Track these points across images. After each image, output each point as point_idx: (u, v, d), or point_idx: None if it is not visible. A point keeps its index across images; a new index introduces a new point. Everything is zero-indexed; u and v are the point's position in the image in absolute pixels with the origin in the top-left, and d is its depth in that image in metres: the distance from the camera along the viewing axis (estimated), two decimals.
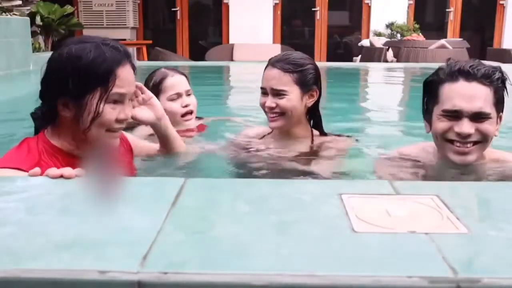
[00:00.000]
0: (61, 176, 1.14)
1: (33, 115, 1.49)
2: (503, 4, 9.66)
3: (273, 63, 1.91)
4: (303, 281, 0.70)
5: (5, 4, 5.43)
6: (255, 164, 1.91)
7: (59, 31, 6.86)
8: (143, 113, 1.70)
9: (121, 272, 0.70)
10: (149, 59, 8.26)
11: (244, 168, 1.92)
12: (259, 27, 9.39)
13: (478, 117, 1.57)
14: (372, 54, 7.65)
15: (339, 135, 2.09)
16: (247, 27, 9.24)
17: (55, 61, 1.39)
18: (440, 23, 10.16)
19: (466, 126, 1.58)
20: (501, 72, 1.60)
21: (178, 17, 10.01)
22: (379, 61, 7.32)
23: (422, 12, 9.91)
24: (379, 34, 9.21)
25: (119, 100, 1.39)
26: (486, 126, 1.58)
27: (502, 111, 1.63)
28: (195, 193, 1.05)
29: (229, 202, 1.01)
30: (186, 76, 2.33)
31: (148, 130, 2.01)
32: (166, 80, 2.23)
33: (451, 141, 1.60)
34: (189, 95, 2.27)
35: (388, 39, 8.86)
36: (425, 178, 1.68)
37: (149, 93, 1.73)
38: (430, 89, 1.66)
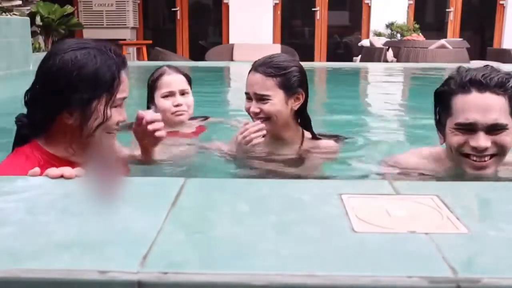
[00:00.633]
0: (61, 176, 1.14)
1: (18, 123, 1.43)
2: (503, 4, 9.66)
3: (256, 67, 1.87)
4: (303, 281, 0.70)
5: (5, 4, 5.43)
6: (244, 168, 1.90)
7: (59, 31, 6.87)
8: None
9: (121, 272, 0.70)
10: (149, 59, 8.25)
11: (234, 172, 1.91)
12: (259, 27, 9.38)
13: (494, 129, 1.51)
14: (372, 54, 7.65)
15: (333, 136, 2.07)
16: (247, 27, 9.24)
17: (58, 69, 1.34)
18: (440, 23, 10.16)
19: (482, 140, 1.51)
20: None
21: (178, 17, 10.01)
22: (379, 61, 7.32)
23: (422, 12, 9.91)
24: (379, 34, 9.21)
25: (119, 104, 1.41)
26: (503, 137, 1.52)
27: None
28: (195, 193, 1.05)
29: (229, 202, 1.01)
30: (187, 76, 2.33)
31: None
32: (163, 78, 2.27)
33: (467, 155, 1.54)
34: (184, 94, 2.28)
35: (388, 39, 8.86)
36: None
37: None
38: (442, 100, 1.59)
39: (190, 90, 2.32)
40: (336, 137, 2.09)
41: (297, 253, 0.77)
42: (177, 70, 2.33)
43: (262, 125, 1.83)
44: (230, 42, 9.40)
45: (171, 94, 2.25)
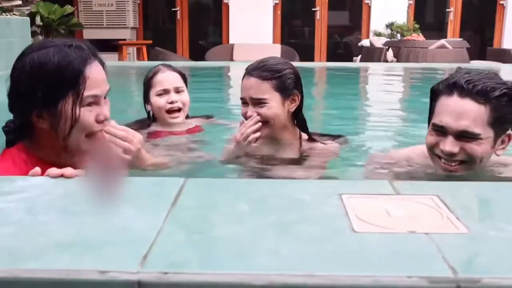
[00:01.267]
0: (62, 176, 1.13)
1: (5, 128, 1.42)
2: (503, 4, 9.65)
3: (250, 71, 1.86)
4: (303, 281, 0.70)
5: (5, 4, 5.43)
6: (244, 170, 1.88)
7: (59, 31, 6.87)
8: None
9: (121, 272, 0.70)
10: (149, 59, 8.25)
11: (233, 174, 1.90)
12: (259, 27, 9.38)
13: (463, 136, 1.50)
14: (372, 54, 7.65)
15: (331, 136, 2.06)
16: (247, 27, 9.24)
17: (20, 72, 1.32)
18: (440, 23, 10.16)
19: (449, 145, 1.52)
20: (510, 89, 1.49)
21: (178, 17, 10.01)
22: (379, 61, 7.32)
23: (422, 12, 9.91)
24: (379, 34, 9.20)
25: (93, 102, 1.33)
26: (473, 146, 1.50)
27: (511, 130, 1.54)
28: (195, 193, 1.05)
29: (229, 202, 1.01)
30: (182, 74, 2.33)
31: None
32: (157, 76, 2.28)
33: (439, 156, 1.56)
34: (179, 92, 2.28)
35: (388, 39, 8.85)
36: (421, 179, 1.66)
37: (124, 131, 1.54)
38: (432, 97, 1.60)
39: (186, 88, 2.32)
40: (333, 138, 2.08)
41: (297, 253, 0.77)
42: (172, 68, 2.34)
43: (257, 118, 1.82)
44: (230, 42, 9.39)
45: (165, 92, 2.25)
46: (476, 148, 1.51)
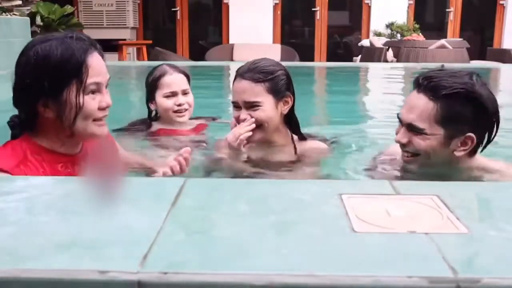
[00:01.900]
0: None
1: (10, 123, 1.47)
2: (503, 4, 9.66)
3: (241, 74, 1.81)
4: (303, 281, 0.70)
5: (5, 4, 5.43)
6: (237, 175, 1.86)
7: (59, 31, 6.86)
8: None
9: (121, 272, 0.70)
10: (149, 59, 8.25)
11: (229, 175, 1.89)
12: (259, 27, 9.38)
13: (411, 129, 1.55)
14: (372, 54, 7.65)
15: (321, 139, 2.05)
16: (247, 27, 9.24)
17: (25, 65, 1.38)
18: (440, 23, 10.16)
19: (399, 135, 1.60)
20: (467, 89, 1.48)
21: (178, 17, 10.01)
22: (379, 61, 7.32)
23: (422, 12, 9.91)
24: (379, 34, 9.21)
25: (96, 89, 1.39)
26: (418, 140, 1.55)
27: (475, 132, 1.53)
28: (195, 193, 1.05)
29: (229, 202, 1.01)
30: (187, 75, 2.36)
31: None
32: (164, 78, 2.29)
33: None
34: (186, 94, 2.31)
35: (388, 39, 8.85)
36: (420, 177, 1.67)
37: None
38: None
39: (190, 89, 2.35)
40: (324, 140, 2.06)
41: (297, 253, 0.77)
42: (178, 69, 2.36)
43: (252, 120, 1.79)
44: (230, 42, 9.40)
45: (173, 94, 2.29)
46: (420, 142, 1.56)
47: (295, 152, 1.92)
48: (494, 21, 9.81)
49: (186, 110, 2.31)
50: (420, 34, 8.67)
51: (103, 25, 9.01)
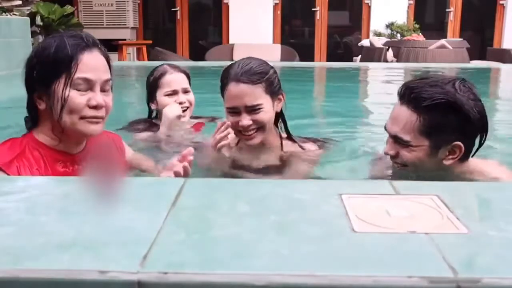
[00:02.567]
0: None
1: (26, 119, 1.51)
2: (503, 4, 9.66)
3: (237, 77, 1.72)
4: (303, 281, 0.70)
5: (5, 4, 5.43)
6: (229, 175, 1.84)
7: (59, 31, 6.86)
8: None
9: (121, 272, 0.70)
10: (149, 59, 8.25)
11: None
12: (259, 27, 9.38)
13: (397, 140, 1.55)
14: (372, 54, 7.65)
15: (314, 139, 2.03)
16: (247, 27, 9.24)
17: (28, 59, 1.45)
18: (440, 23, 10.16)
19: (387, 146, 1.60)
20: (448, 100, 1.46)
21: (178, 17, 10.01)
22: (379, 61, 7.32)
23: (422, 12, 9.91)
24: (379, 34, 9.21)
25: (87, 86, 1.40)
26: (404, 152, 1.55)
27: (462, 140, 1.51)
28: (195, 193, 1.05)
29: (229, 202, 1.01)
30: (187, 74, 2.37)
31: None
32: (165, 77, 2.31)
33: None
34: (186, 92, 2.33)
35: (388, 39, 8.85)
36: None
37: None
38: None
39: (190, 88, 2.37)
40: (317, 141, 2.04)
41: (297, 253, 0.77)
42: (178, 68, 2.38)
43: (250, 122, 1.75)
44: (230, 42, 9.40)
45: (174, 92, 2.31)
46: (406, 154, 1.55)
47: (282, 149, 1.89)
48: (494, 21, 9.81)
49: (187, 108, 2.32)
50: (420, 34, 8.67)
51: (103, 25, 9.01)
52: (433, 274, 0.70)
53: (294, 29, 10.49)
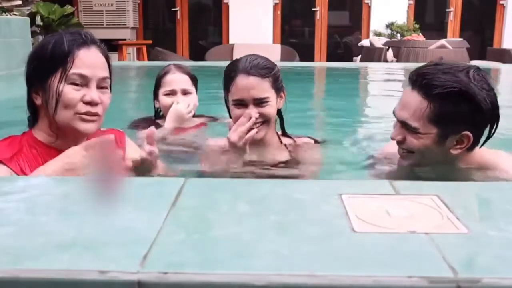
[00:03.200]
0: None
1: (28, 117, 1.52)
2: (503, 4, 9.66)
3: (246, 70, 1.74)
4: (303, 281, 0.70)
5: (5, 4, 5.43)
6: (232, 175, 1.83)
7: (59, 31, 6.86)
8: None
9: (121, 272, 0.70)
10: (149, 59, 8.26)
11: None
12: (259, 27, 9.38)
13: (406, 127, 1.52)
14: (372, 54, 7.65)
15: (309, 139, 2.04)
16: (247, 27, 9.24)
17: (29, 56, 1.46)
18: (440, 23, 10.16)
19: (394, 131, 1.57)
20: (460, 88, 1.43)
21: (178, 17, 10.01)
22: (379, 61, 7.32)
23: (422, 12, 9.92)
24: (379, 34, 9.21)
25: (82, 82, 1.40)
26: (411, 138, 1.53)
27: (471, 130, 1.49)
28: (195, 193, 1.05)
29: (229, 202, 1.01)
30: (191, 76, 2.37)
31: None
32: (166, 76, 2.34)
33: None
34: (186, 93, 2.33)
35: (388, 39, 8.86)
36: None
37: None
38: None
39: (194, 90, 2.37)
40: (311, 138, 2.04)
41: (297, 253, 0.77)
42: (182, 69, 2.39)
43: (257, 114, 1.75)
44: (230, 42, 9.40)
45: (172, 92, 2.32)
46: (413, 141, 1.53)
47: (281, 146, 1.91)
48: (494, 21, 9.81)
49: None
50: (420, 34, 8.67)
51: (103, 25, 9.01)
52: (433, 274, 0.70)
53: (294, 29, 10.50)
